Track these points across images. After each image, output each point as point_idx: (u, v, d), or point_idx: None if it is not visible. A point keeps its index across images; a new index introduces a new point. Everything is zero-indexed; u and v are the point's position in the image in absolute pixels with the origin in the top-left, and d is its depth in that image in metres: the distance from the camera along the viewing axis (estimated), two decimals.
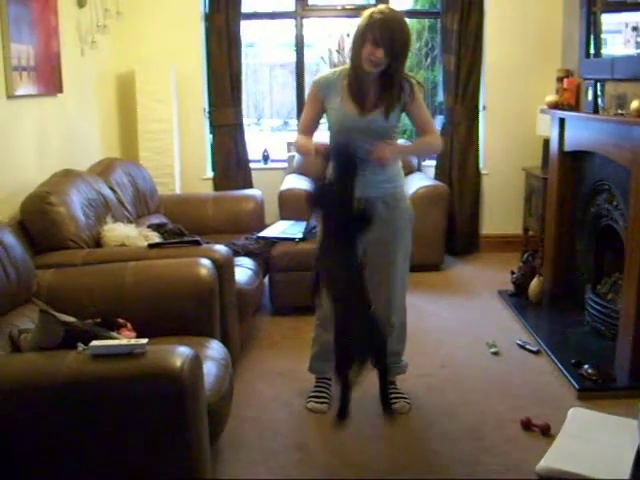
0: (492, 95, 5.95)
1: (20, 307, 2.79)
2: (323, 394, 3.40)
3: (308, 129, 3.18)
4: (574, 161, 4.53)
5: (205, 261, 3.14)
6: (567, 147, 4.52)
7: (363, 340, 2.70)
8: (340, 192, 2.83)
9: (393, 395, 3.32)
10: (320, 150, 2.99)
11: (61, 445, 2.12)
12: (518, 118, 5.92)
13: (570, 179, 4.60)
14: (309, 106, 3.20)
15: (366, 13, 2.97)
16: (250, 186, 5.87)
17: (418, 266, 5.40)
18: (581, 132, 4.31)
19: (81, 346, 2.20)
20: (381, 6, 3.01)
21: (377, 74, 3.01)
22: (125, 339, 2.47)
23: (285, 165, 6.11)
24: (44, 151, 4.01)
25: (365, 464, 2.90)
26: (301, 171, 5.65)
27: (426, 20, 6.83)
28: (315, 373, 3.47)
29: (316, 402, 3.36)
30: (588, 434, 2.99)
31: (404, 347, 3.44)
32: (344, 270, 2.81)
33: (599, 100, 4.12)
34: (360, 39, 2.96)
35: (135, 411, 2.11)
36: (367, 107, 3.04)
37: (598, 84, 4.14)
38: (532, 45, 5.79)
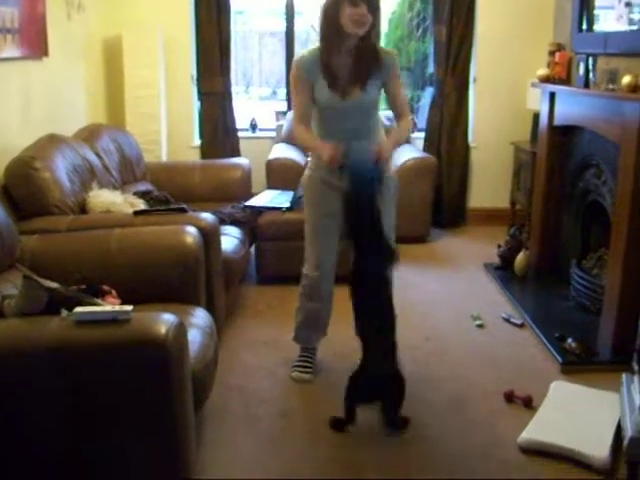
0: (483, 67, 5.92)
1: (3, 273, 2.76)
2: (308, 363, 3.40)
3: (305, 117, 3.11)
4: (563, 136, 4.52)
5: (191, 229, 3.12)
6: (557, 121, 4.50)
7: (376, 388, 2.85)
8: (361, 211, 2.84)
9: None
10: (335, 160, 2.94)
11: (44, 411, 2.11)
12: (508, 91, 5.89)
13: (559, 154, 4.59)
14: (298, 92, 3.09)
15: None
16: (238, 155, 5.83)
17: (404, 238, 5.37)
18: (571, 107, 4.29)
19: (65, 312, 2.18)
20: None
21: (351, 45, 2.98)
22: (109, 306, 2.45)
23: (273, 134, 6.07)
24: (29, 115, 3.95)
25: (343, 436, 2.91)
26: (294, 142, 5.59)
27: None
28: (300, 343, 3.46)
29: (301, 371, 3.37)
30: (570, 407, 3.02)
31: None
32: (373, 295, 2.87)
33: (590, 75, 4.10)
34: (334, 6, 2.91)
35: (119, 378, 2.10)
36: (345, 89, 3.01)
37: (590, 58, 4.11)
38: (524, 18, 5.75)
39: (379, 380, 2.86)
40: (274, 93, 9.71)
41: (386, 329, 2.88)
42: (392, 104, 3.17)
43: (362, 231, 2.85)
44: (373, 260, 2.85)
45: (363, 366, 2.85)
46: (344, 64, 3.02)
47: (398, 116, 3.17)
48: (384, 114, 6.05)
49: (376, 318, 2.87)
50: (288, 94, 6.23)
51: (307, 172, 3.26)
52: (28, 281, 2.33)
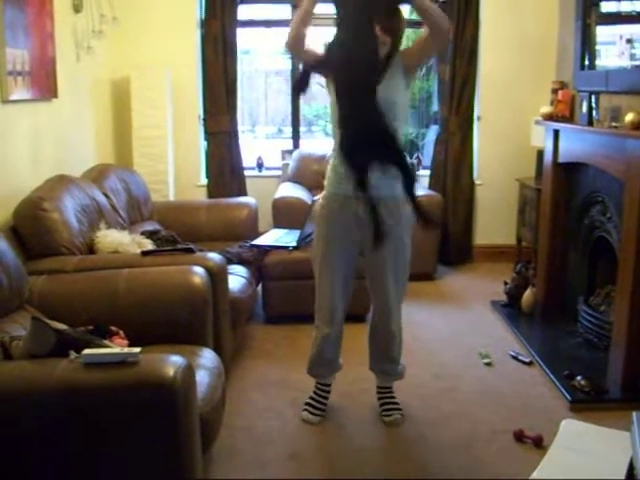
0: (487, 106, 5.97)
1: (12, 314, 2.76)
2: (319, 404, 3.37)
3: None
4: (568, 172, 4.55)
5: (198, 269, 3.13)
6: (561, 158, 4.53)
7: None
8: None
9: (387, 406, 3.35)
10: None
11: (51, 453, 2.10)
12: (512, 129, 5.94)
13: (564, 190, 4.61)
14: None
15: None
16: (244, 194, 5.87)
17: (411, 275, 5.38)
18: (575, 144, 4.32)
19: (73, 354, 2.18)
20: None
21: None
22: (118, 347, 2.45)
23: (279, 173, 6.11)
24: (38, 156, 3.99)
25: (358, 474, 2.88)
26: (300, 180, 5.63)
27: (422, 29, 6.84)
28: (313, 377, 3.43)
29: (310, 413, 3.34)
30: (581, 446, 2.99)
31: (401, 353, 3.40)
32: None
33: (593, 112, 4.14)
34: None
35: (127, 420, 2.10)
36: None
37: (592, 96, 4.15)
38: (527, 56, 5.81)
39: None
40: (280, 131, 9.80)
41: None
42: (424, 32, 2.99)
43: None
44: None
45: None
46: None
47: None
48: None
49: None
50: (294, 132, 6.29)
51: (320, 202, 3.21)
52: (36, 323, 2.33)
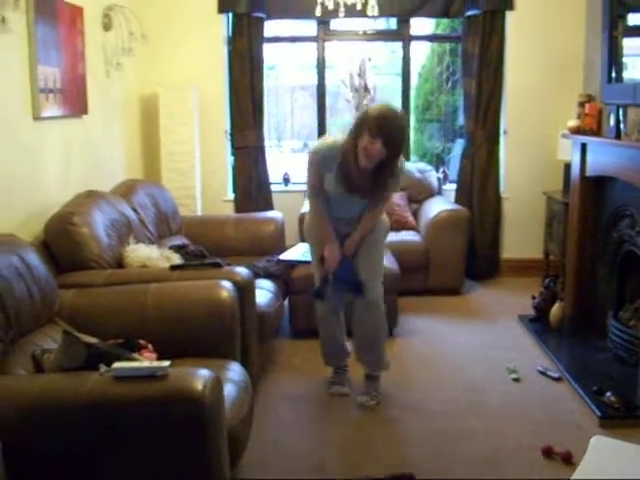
0: (513, 119, 5.95)
1: (43, 327, 2.81)
2: (342, 378, 3.81)
3: (318, 191, 3.50)
4: (596, 186, 4.52)
5: (226, 283, 3.15)
6: (589, 172, 4.51)
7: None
8: None
9: (366, 390, 3.67)
10: (331, 267, 3.57)
11: (82, 467, 2.13)
12: (539, 142, 5.91)
13: (592, 204, 4.58)
14: (313, 173, 3.47)
15: (363, 110, 3.43)
16: (271, 208, 5.90)
17: (438, 289, 5.43)
18: (603, 157, 4.30)
19: (103, 367, 2.21)
20: (379, 105, 3.32)
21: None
22: (147, 361, 2.47)
23: (305, 187, 6.12)
24: (68, 172, 4.06)
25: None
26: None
27: (447, 44, 6.86)
28: (331, 366, 3.86)
29: (338, 386, 3.76)
30: (611, 463, 2.95)
31: (384, 347, 3.74)
32: None
33: (621, 125, 4.12)
34: (360, 125, 3.21)
35: (157, 433, 2.12)
36: (356, 190, 3.38)
37: (620, 109, 4.13)
38: (553, 69, 5.79)
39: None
40: (305, 146, 9.83)
41: None
42: (375, 199, 3.49)
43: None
44: None
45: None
46: (359, 171, 3.29)
47: (372, 205, 3.51)
48: (416, 166, 6.12)
49: None
50: None
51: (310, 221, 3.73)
52: (67, 336, 2.37)
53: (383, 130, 3.13)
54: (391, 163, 3.29)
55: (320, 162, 3.39)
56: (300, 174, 6.45)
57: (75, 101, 4.13)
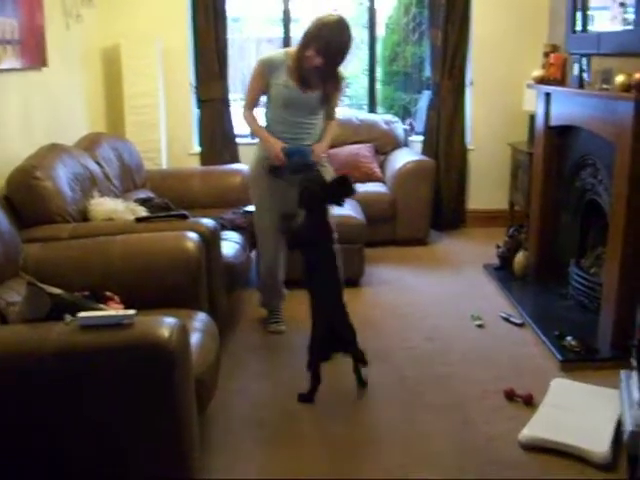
0: (479, 70, 5.96)
1: (7, 281, 2.79)
2: (278, 318, 4.03)
3: (254, 104, 3.78)
4: (559, 136, 4.55)
5: (192, 234, 3.15)
6: (553, 122, 4.53)
7: (334, 342, 3.20)
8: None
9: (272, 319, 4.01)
10: (279, 157, 3.62)
11: (48, 415, 2.14)
12: (505, 93, 5.93)
13: (555, 154, 4.61)
14: (256, 82, 3.72)
15: (314, 20, 3.51)
16: (237, 161, 5.86)
17: (404, 240, 5.48)
18: (567, 107, 4.32)
19: (69, 317, 2.21)
20: (331, 16, 3.51)
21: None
22: (113, 310, 2.48)
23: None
24: (30, 125, 3.99)
25: (347, 435, 2.94)
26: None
27: None
28: (267, 307, 4.07)
29: (276, 324, 3.99)
30: (570, 404, 3.04)
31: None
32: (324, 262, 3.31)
33: (585, 75, 4.14)
34: (304, 42, 3.51)
35: (123, 381, 2.13)
36: (308, 87, 3.61)
37: (584, 59, 4.15)
38: (519, 20, 5.79)
39: (342, 330, 3.22)
40: None
41: (338, 285, 3.33)
42: (327, 108, 3.77)
43: (315, 202, 3.33)
44: (324, 229, 3.36)
45: (322, 323, 3.22)
46: (308, 76, 3.60)
47: (329, 117, 3.81)
48: (382, 117, 6.12)
49: (328, 276, 3.30)
50: None
51: (255, 159, 3.87)
52: (32, 287, 2.36)
53: (324, 47, 3.45)
54: (334, 71, 3.61)
55: (266, 69, 3.64)
56: None
57: (34, 53, 4.04)
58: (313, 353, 3.18)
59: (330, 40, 3.45)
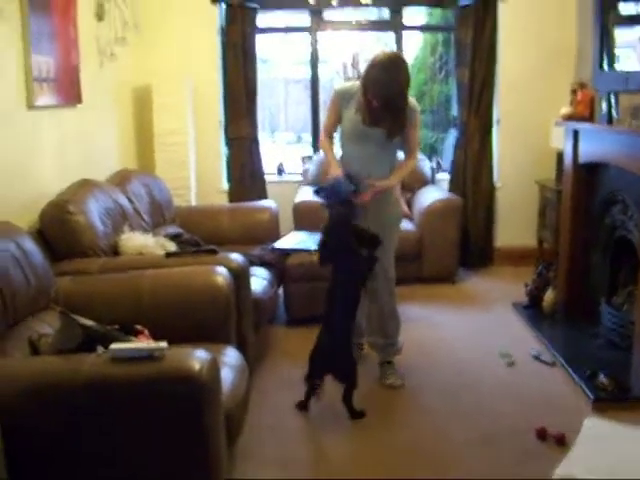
0: (506, 108, 5.97)
1: (39, 313, 2.82)
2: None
3: (330, 130, 3.77)
4: (588, 173, 4.54)
5: (222, 269, 3.17)
6: (581, 159, 4.53)
7: (328, 362, 3.36)
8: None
9: (388, 372, 3.79)
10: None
11: (79, 447, 2.14)
12: (532, 131, 5.93)
13: (584, 191, 4.60)
14: (331, 111, 3.73)
15: (370, 60, 3.47)
16: (265, 198, 5.90)
17: (432, 278, 5.45)
18: (595, 144, 4.32)
19: (101, 349, 2.22)
20: (383, 55, 3.45)
21: None
22: (144, 343, 2.49)
23: (299, 178, 6.14)
24: (63, 161, 4.06)
25: (380, 470, 2.90)
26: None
27: (440, 34, 6.88)
28: None
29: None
30: (604, 444, 2.98)
31: (398, 333, 3.88)
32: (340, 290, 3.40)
33: (613, 111, 4.14)
34: (361, 83, 3.49)
35: (154, 414, 2.14)
36: (374, 123, 3.52)
37: (612, 96, 4.15)
38: (546, 58, 5.80)
39: (332, 355, 3.35)
40: (299, 138, 9.84)
41: (347, 316, 3.41)
42: (405, 146, 3.72)
43: (340, 246, 3.42)
44: (347, 273, 3.42)
45: (318, 343, 3.39)
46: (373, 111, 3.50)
47: (406, 155, 3.78)
48: None
49: (341, 306, 3.40)
50: (313, 138, 6.33)
51: None
52: (65, 317, 2.38)
53: (372, 89, 3.42)
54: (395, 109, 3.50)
55: (340, 99, 3.64)
56: (294, 165, 6.48)
57: (69, 90, 4.13)
58: (309, 367, 3.40)
59: (378, 81, 3.40)
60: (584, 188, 4.59)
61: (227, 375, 2.63)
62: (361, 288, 3.53)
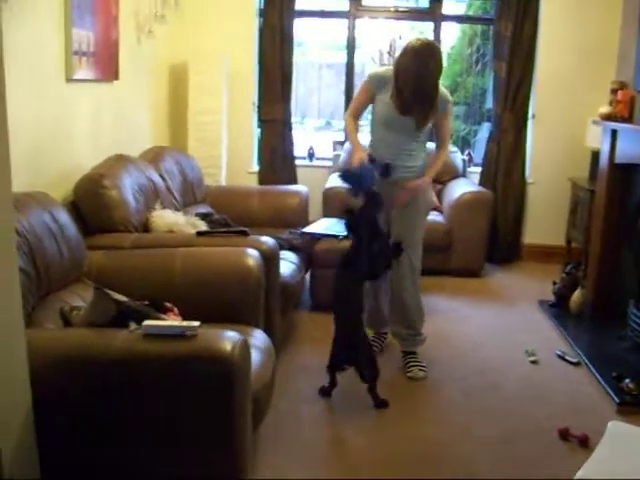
0: (542, 104, 5.91)
1: (71, 285, 2.84)
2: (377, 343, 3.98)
3: (357, 112, 3.78)
4: (624, 174, 4.49)
5: (253, 251, 3.17)
6: (618, 159, 4.47)
7: (348, 353, 3.37)
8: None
9: (411, 364, 3.75)
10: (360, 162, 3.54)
11: (108, 420, 2.16)
12: (567, 128, 5.87)
13: (619, 191, 4.55)
14: (361, 94, 3.73)
15: (403, 48, 3.47)
16: (294, 182, 5.91)
17: (458, 271, 5.43)
18: (634, 144, 4.26)
19: (133, 325, 2.23)
20: (415, 42, 3.42)
21: None
22: (177, 321, 2.50)
23: (330, 164, 6.13)
24: (98, 135, 4.08)
25: (400, 461, 2.90)
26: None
27: (479, 25, 6.80)
28: (369, 328, 3.91)
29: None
30: (628, 448, 2.95)
31: (422, 324, 3.88)
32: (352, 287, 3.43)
33: None
34: (395, 73, 3.47)
35: (183, 393, 2.15)
36: (406, 112, 3.51)
37: None
38: (586, 55, 5.73)
39: (351, 347, 3.36)
40: (328, 124, 9.81)
41: (358, 309, 3.43)
42: (437, 136, 3.77)
43: (363, 232, 3.39)
44: (364, 260, 3.40)
45: (336, 337, 3.42)
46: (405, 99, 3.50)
47: (438, 146, 3.79)
48: None
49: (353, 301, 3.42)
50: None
51: None
52: (98, 292, 2.39)
53: (403, 78, 3.42)
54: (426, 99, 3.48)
55: (374, 84, 3.63)
56: (324, 150, 6.46)
57: (107, 66, 4.14)
58: (330, 358, 3.42)
59: (408, 70, 3.38)
60: (619, 188, 4.54)
61: (255, 357, 2.62)
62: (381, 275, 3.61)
